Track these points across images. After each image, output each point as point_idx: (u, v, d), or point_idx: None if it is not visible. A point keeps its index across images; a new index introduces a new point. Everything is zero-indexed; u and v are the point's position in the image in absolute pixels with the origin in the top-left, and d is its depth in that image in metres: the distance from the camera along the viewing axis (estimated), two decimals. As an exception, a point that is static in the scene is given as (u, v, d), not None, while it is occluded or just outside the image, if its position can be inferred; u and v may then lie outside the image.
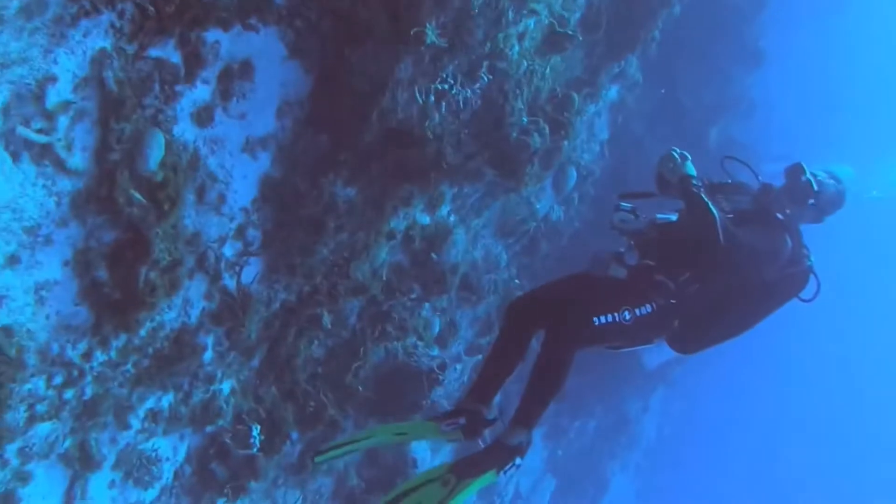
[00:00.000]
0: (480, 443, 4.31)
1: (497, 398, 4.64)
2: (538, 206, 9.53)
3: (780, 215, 4.51)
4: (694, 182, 4.34)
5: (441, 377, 7.75)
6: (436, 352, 8.10)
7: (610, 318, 4.27)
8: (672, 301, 4.39)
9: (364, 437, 4.54)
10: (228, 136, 4.93)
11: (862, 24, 24.37)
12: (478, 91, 5.73)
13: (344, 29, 5.07)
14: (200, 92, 4.62)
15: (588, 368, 13.27)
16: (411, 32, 4.91)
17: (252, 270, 5.47)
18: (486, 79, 5.69)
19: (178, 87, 4.47)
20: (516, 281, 9.80)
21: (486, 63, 5.62)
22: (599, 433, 18.29)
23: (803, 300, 4.61)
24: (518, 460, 4.12)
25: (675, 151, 4.49)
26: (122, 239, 4.40)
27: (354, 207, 5.71)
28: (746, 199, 4.70)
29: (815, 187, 4.44)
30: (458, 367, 9.42)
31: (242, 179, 5.12)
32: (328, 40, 5.11)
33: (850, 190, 4.64)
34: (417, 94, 5.25)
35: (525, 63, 5.99)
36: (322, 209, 5.50)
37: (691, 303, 4.42)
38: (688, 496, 29.96)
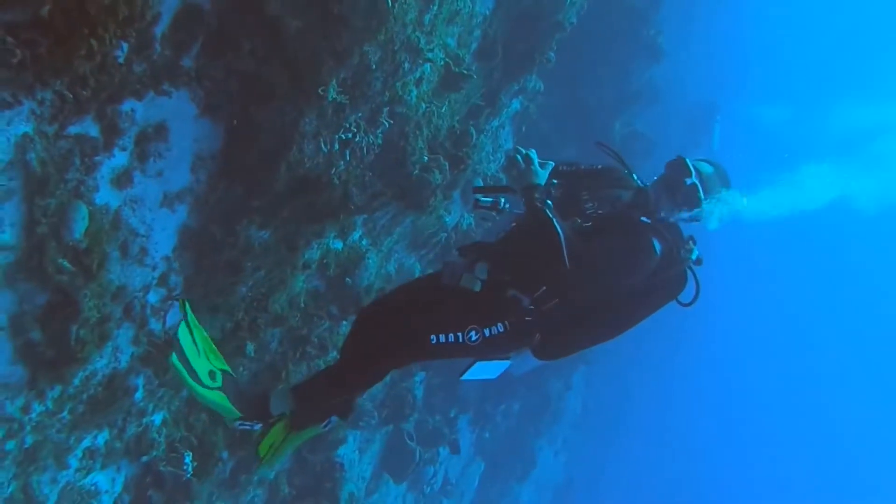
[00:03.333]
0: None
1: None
2: (448, 219, 9.98)
3: (645, 218, 4.07)
4: (537, 196, 3.89)
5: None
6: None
7: (451, 338, 3.92)
8: (528, 318, 3.97)
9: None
10: (147, 194, 5.27)
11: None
12: (379, 135, 6.16)
13: (250, 88, 5.44)
14: (118, 158, 4.95)
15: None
16: (315, 90, 5.32)
17: (176, 313, 5.84)
18: (386, 124, 6.13)
19: (98, 158, 4.79)
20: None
21: (386, 109, 6.06)
22: (524, 414, 18.93)
23: (682, 304, 4.23)
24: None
25: (520, 154, 4.00)
26: (53, 301, 4.75)
27: (270, 247, 6.11)
28: (618, 194, 4.30)
29: (692, 169, 4.13)
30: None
31: (162, 231, 5.48)
32: (236, 98, 5.49)
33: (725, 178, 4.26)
34: (322, 145, 5.67)
35: (423, 105, 6.43)
36: (239, 252, 5.90)
37: (551, 317, 3.99)
38: (616, 461, 31.24)
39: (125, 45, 4.51)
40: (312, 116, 5.55)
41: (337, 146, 5.79)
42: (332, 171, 5.83)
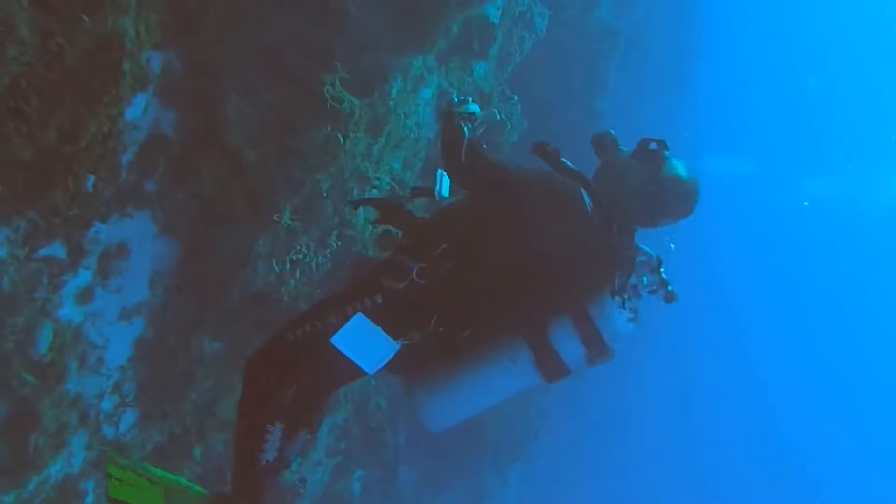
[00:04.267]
0: None
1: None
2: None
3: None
4: (455, 110, 3.40)
5: (303, 490, 8.46)
6: (296, 464, 8.79)
7: (308, 328, 3.26)
8: (415, 286, 3.17)
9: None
10: (107, 308, 5.61)
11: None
12: (328, 256, 6.59)
13: (209, 210, 5.85)
14: (82, 277, 5.29)
15: (444, 451, 14.09)
16: (270, 216, 5.76)
17: (129, 419, 6.13)
18: (335, 245, 6.57)
19: (64, 277, 5.14)
20: (373, 381, 10.60)
21: (335, 232, 6.52)
22: (460, 506, 18.91)
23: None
24: None
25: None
26: (14, 412, 5.04)
27: (221, 357, 6.45)
28: None
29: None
30: (320, 469, 10.14)
31: (119, 343, 5.80)
32: (195, 220, 5.89)
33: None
34: (275, 265, 6.09)
35: (370, 227, 6.88)
36: (191, 362, 6.23)
37: (447, 288, 3.19)
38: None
39: (93, 176, 4.91)
40: (266, 239, 5.96)
41: (288, 266, 6.21)
42: (283, 289, 6.24)
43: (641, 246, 3.30)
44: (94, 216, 5.18)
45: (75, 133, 4.09)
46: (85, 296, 5.38)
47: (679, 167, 3.34)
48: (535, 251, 3.18)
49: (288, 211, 5.81)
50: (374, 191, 6.65)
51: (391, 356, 3.19)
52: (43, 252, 4.95)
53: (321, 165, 5.67)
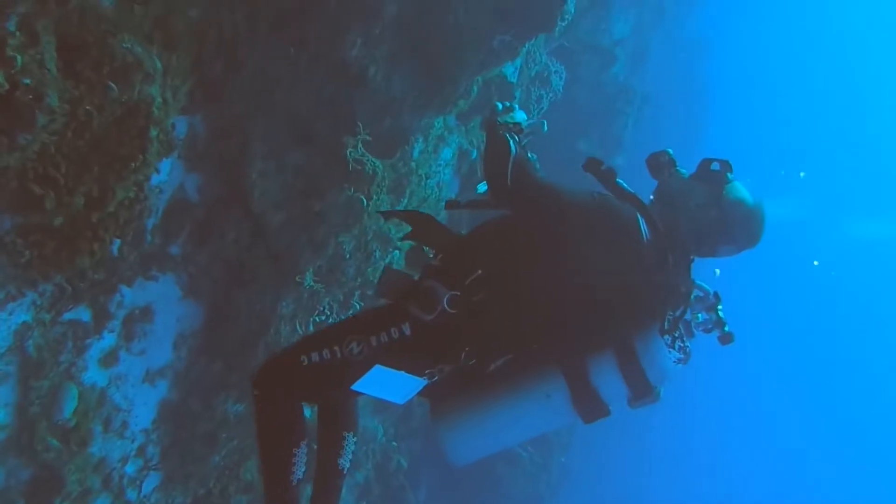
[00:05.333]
0: None
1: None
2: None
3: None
4: (499, 121, 3.17)
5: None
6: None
7: (326, 354, 2.96)
8: (447, 316, 2.85)
9: None
10: (131, 371, 5.62)
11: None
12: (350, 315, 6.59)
13: (232, 273, 5.89)
14: (107, 340, 5.32)
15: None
16: (293, 278, 5.78)
17: (152, 482, 6.10)
18: (358, 306, 6.59)
19: (88, 340, 5.17)
20: (394, 444, 10.54)
21: (357, 293, 6.53)
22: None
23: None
24: None
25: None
26: (38, 476, 5.03)
27: (244, 419, 6.43)
28: None
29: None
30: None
31: (143, 406, 5.80)
32: (219, 282, 5.92)
33: None
34: (298, 326, 6.09)
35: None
36: (215, 425, 6.21)
37: (482, 317, 2.92)
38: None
39: (119, 241, 4.95)
40: (290, 300, 5.98)
41: (311, 327, 6.21)
42: (306, 350, 6.23)
43: (698, 281, 3.01)
44: (120, 280, 5.23)
45: (102, 199, 4.13)
46: (109, 359, 5.40)
47: (743, 190, 3.06)
48: (582, 283, 2.85)
49: (311, 273, 5.82)
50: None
51: (419, 389, 2.97)
52: (68, 316, 4.99)
53: (344, 227, 5.70)
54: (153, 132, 4.19)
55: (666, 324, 2.95)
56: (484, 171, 3.06)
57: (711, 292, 3.00)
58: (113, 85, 3.85)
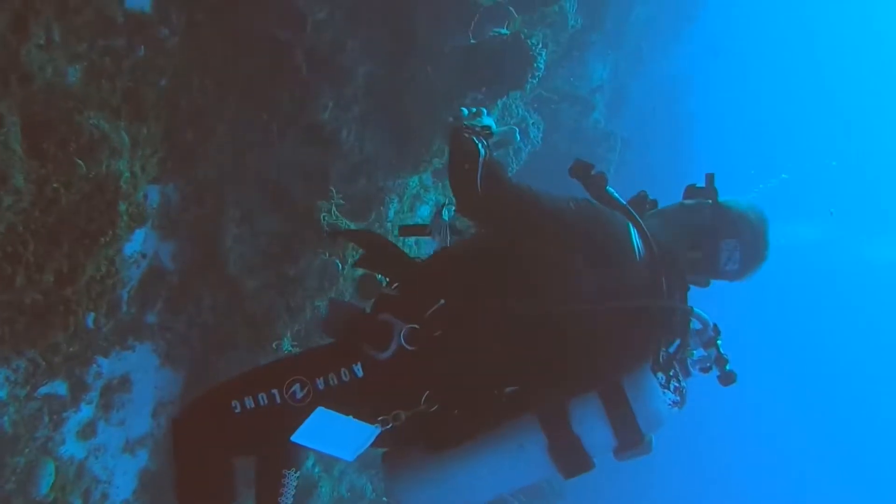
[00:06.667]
0: None
1: None
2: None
3: None
4: (465, 125, 2.87)
5: None
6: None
7: (263, 399, 2.58)
8: (404, 353, 2.59)
9: None
10: (110, 442, 5.59)
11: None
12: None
13: (210, 339, 5.87)
14: (84, 412, 5.29)
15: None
16: (270, 343, 5.77)
17: (133, 554, 6.04)
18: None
19: (65, 413, 5.14)
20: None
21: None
22: None
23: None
24: None
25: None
26: (14, 556, 4.98)
27: (226, 485, 6.39)
28: None
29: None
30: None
31: (123, 476, 5.76)
32: (196, 348, 5.91)
33: None
34: (277, 390, 6.06)
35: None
36: (197, 491, 6.16)
37: (442, 355, 2.61)
38: None
39: (93, 313, 4.95)
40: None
41: (290, 391, 6.18)
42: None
43: (696, 309, 2.63)
44: (96, 351, 5.22)
45: (73, 275, 4.14)
46: (87, 431, 5.36)
47: (741, 201, 2.85)
48: (562, 312, 2.49)
49: (288, 338, 5.82)
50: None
51: (372, 440, 2.56)
52: (44, 390, 4.97)
53: (320, 291, 5.70)
54: (122, 206, 4.21)
55: (660, 360, 2.62)
56: (449, 180, 2.74)
57: (711, 323, 2.66)
58: (80, 162, 3.88)
